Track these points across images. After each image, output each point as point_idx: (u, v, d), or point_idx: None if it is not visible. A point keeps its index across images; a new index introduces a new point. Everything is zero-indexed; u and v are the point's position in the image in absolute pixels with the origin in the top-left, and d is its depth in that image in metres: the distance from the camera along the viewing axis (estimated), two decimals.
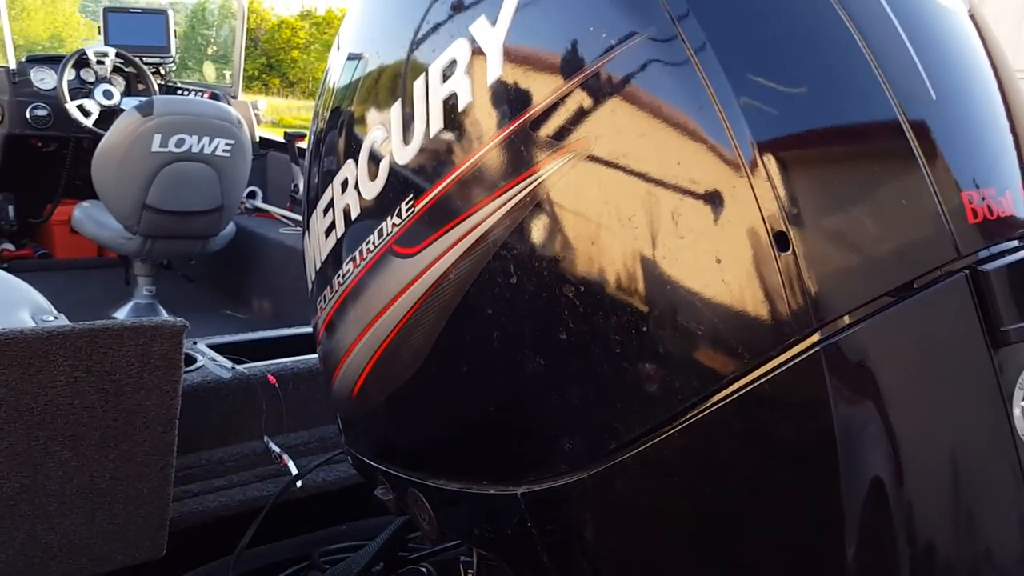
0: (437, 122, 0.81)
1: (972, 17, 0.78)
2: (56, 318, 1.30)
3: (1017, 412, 0.68)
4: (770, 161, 0.65)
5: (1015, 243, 0.69)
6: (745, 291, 0.66)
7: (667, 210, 0.68)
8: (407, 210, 0.85)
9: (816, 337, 0.65)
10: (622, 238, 0.70)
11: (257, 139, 4.35)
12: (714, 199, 0.66)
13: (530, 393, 0.79)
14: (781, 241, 0.64)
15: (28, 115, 3.90)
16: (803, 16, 0.70)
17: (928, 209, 0.66)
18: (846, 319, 0.65)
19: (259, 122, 4.79)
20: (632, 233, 0.69)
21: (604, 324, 0.72)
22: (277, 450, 1.51)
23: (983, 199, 0.67)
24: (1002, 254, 0.68)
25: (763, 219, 0.65)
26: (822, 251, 0.64)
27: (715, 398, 0.68)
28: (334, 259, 0.99)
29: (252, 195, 4.35)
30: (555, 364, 0.76)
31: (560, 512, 0.81)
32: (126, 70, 4.15)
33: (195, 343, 1.63)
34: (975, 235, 0.67)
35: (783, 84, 0.68)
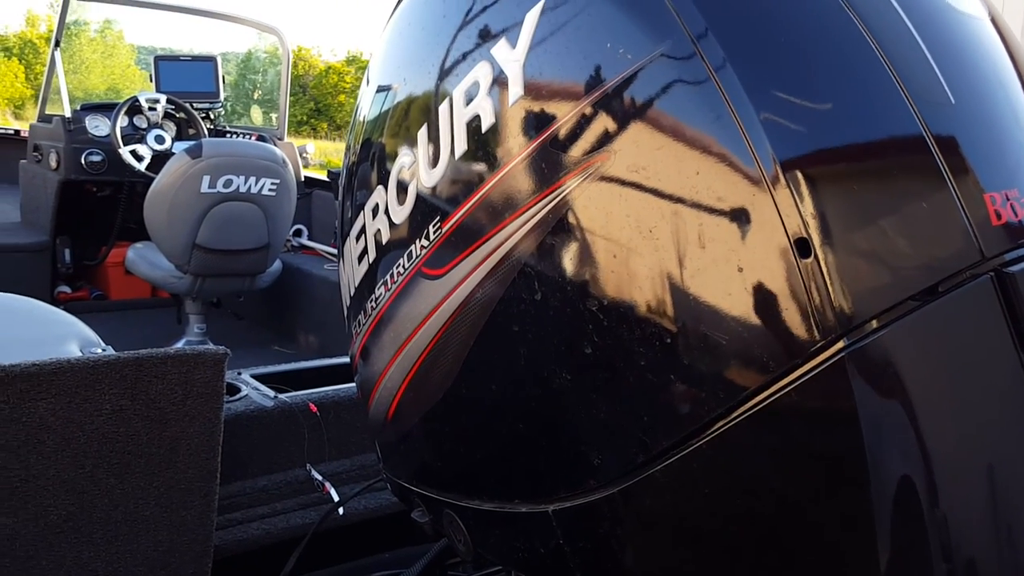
0: (461, 144, 0.83)
1: (993, 21, 0.78)
2: (104, 350, 1.34)
3: None
4: (790, 170, 0.65)
5: None
6: (768, 299, 0.66)
7: (687, 221, 0.68)
8: (434, 232, 0.86)
9: (841, 344, 0.64)
10: (644, 250, 0.70)
11: (303, 178, 4.44)
12: (734, 208, 0.66)
13: (557, 409, 0.79)
14: (803, 248, 0.64)
15: (83, 161, 4.03)
16: (820, 29, 0.70)
17: (950, 212, 0.65)
18: (870, 325, 0.64)
19: (308, 165, 4.88)
20: (653, 245, 0.70)
21: (628, 337, 0.72)
22: (319, 478, 1.52)
23: (1007, 200, 0.66)
24: None
25: (784, 226, 0.64)
26: (843, 257, 0.64)
27: (742, 409, 0.68)
28: (367, 284, 1.01)
29: (298, 233, 4.44)
30: (581, 379, 0.76)
31: (591, 528, 0.80)
32: (177, 116, 4.28)
33: (239, 373, 1.66)
34: (1000, 237, 0.66)
35: (802, 97, 0.68)
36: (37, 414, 1.06)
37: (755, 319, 0.66)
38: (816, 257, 0.64)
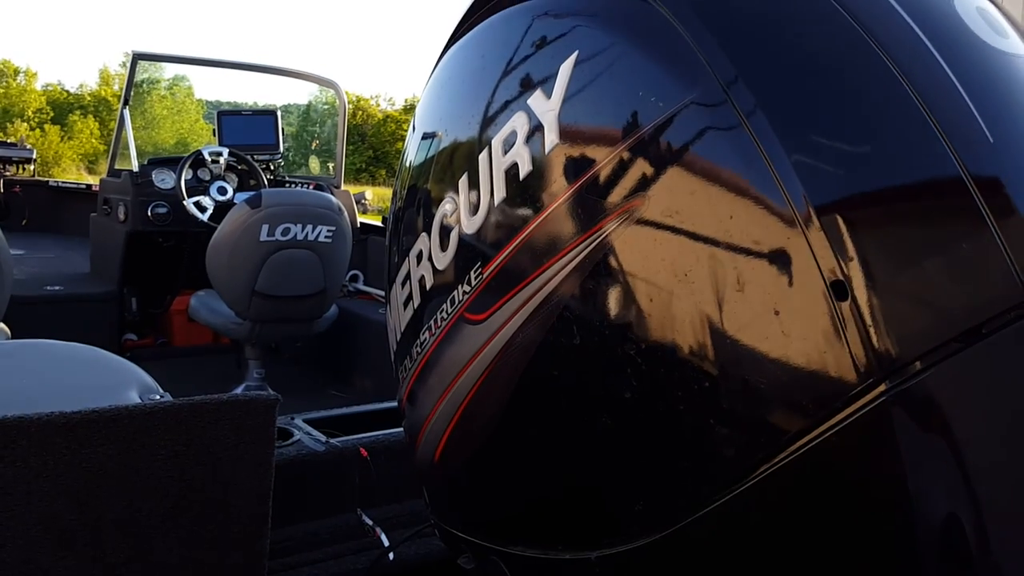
0: (500, 191, 0.84)
1: None
2: (162, 396, 1.38)
3: None
4: (823, 212, 0.65)
5: None
6: (806, 342, 0.65)
7: (722, 264, 0.68)
8: (476, 277, 0.88)
9: (882, 387, 0.63)
10: (679, 294, 0.71)
11: (358, 225, 4.52)
12: (768, 251, 0.66)
13: (598, 455, 0.79)
14: (839, 290, 0.64)
15: (150, 213, 4.17)
16: (852, 72, 0.70)
17: (992, 251, 0.64)
18: (912, 368, 0.63)
19: (366, 211, 4.96)
20: (689, 288, 0.70)
21: (667, 381, 0.72)
22: (370, 522, 1.53)
23: None
24: None
25: (819, 269, 0.64)
26: (881, 299, 0.63)
27: (783, 453, 0.67)
28: (412, 329, 1.03)
29: (354, 278, 4.50)
30: (620, 424, 0.76)
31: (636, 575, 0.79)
32: (239, 167, 4.41)
33: (292, 418, 1.69)
34: None
35: (834, 140, 0.68)
36: (96, 459, 1.09)
37: (793, 363, 0.65)
38: (853, 299, 0.63)
